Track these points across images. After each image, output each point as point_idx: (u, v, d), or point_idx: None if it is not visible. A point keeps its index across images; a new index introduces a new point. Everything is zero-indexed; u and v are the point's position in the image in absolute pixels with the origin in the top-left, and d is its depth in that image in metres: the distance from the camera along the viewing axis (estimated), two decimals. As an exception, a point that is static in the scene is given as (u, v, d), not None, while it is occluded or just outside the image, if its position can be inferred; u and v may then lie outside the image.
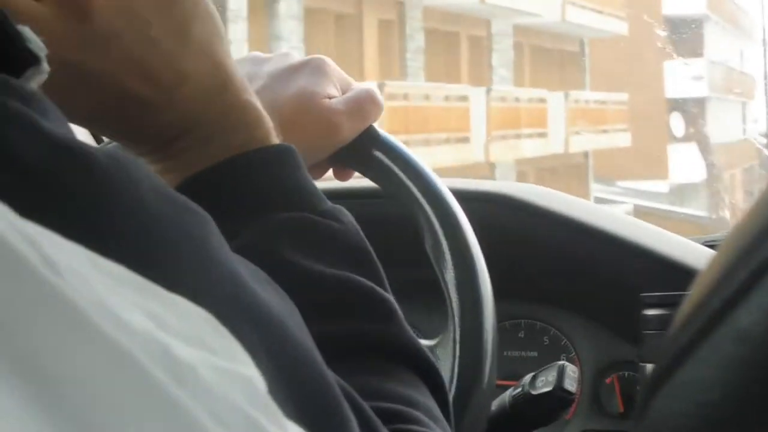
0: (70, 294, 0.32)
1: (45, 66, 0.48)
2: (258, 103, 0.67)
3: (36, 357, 0.31)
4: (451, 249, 0.84)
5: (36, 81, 0.48)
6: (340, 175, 0.88)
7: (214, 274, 0.43)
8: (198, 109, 0.65)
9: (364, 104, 0.83)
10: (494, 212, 1.18)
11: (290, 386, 0.43)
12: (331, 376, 0.47)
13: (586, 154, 14.38)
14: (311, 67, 0.83)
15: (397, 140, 0.87)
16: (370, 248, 0.66)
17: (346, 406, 0.47)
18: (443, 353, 0.85)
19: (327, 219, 0.65)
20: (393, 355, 0.62)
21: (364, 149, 0.85)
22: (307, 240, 0.63)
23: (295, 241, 0.62)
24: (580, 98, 14.90)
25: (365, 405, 0.51)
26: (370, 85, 0.86)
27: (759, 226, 0.29)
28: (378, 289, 0.63)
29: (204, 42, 0.64)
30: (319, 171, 0.85)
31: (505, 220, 1.19)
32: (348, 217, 0.67)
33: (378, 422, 0.51)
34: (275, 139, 0.67)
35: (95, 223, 0.39)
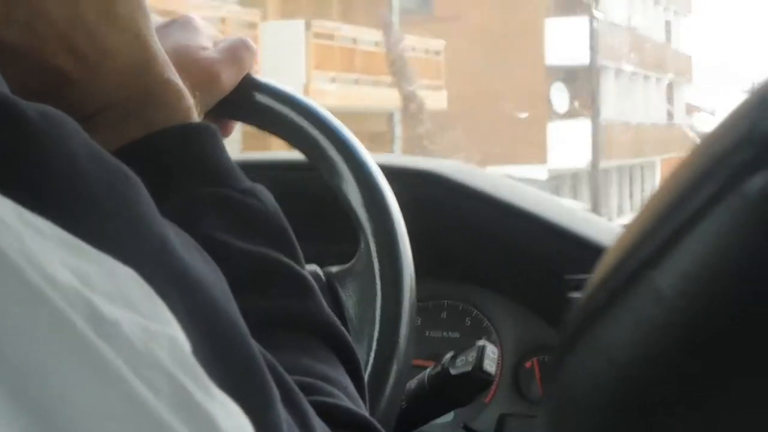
0: None
1: None
2: (180, 82, 0.68)
3: None
4: (348, 165, 0.84)
5: None
6: (222, 130, 0.87)
7: (143, 236, 0.43)
8: (120, 85, 0.65)
9: (239, 51, 0.84)
10: (420, 189, 1.17)
11: (215, 352, 0.42)
12: (255, 346, 0.47)
13: (390, 118, 10.65)
14: (179, 24, 0.84)
15: (278, 83, 0.87)
16: (289, 227, 0.66)
17: (269, 376, 0.47)
18: (360, 276, 0.84)
19: (247, 197, 0.65)
20: (310, 331, 0.62)
21: (246, 95, 0.85)
22: (227, 216, 0.63)
23: (215, 217, 0.63)
24: (338, 33, 10.42)
25: (287, 377, 0.51)
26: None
27: (678, 190, 0.28)
28: (296, 266, 0.64)
29: (128, 19, 0.65)
30: None
31: (430, 198, 1.18)
32: (268, 195, 0.67)
33: (299, 393, 0.51)
34: (196, 118, 0.68)
35: (23, 178, 0.39)
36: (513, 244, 1.18)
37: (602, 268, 0.29)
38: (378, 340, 0.81)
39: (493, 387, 1.19)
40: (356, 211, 0.83)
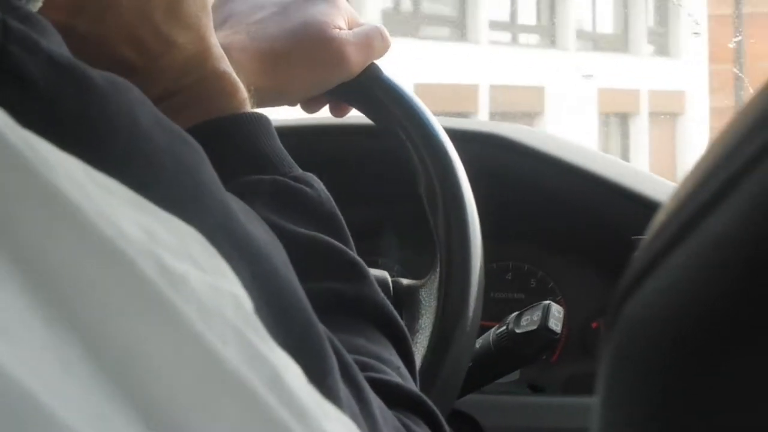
0: (68, 193, 0.32)
1: None
2: (234, 74, 0.69)
3: (32, 249, 0.31)
4: (443, 193, 0.84)
5: (33, 6, 0.49)
6: (337, 111, 0.88)
7: (205, 202, 0.44)
8: (179, 76, 0.66)
9: (374, 39, 0.84)
10: (486, 152, 1.17)
11: (276, 315, 0.43)
12: (315, 315, 0.47)
13: None
14: None
15: (398, 81, 0.86)
16: (340, 214, 0.67)
17: (328, 345, 0.47)
18: (428, 294, 0.85)
19: (299, 183, 0.66)
20: (364, 314, 0.63)
21: (367, 87, 0.85)
22: (279, 201, 0.64)
23: (268, 201, 0.64)
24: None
25: (344, 351, 0.51)
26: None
27: (738, 132, 0.28)
28: (349, 251, 0.64)
29: (192, 15, 0.66)
30: (316, 104, 0.86)
31: (496, 161, 1.18)
32: (319, 183, 0.68)
33: (355, 367, 0.51)
34: (249, 109, 0.69)
35: (91, 141, 0.40)
36: (578, 206, 1.18)
37: (660, 215, 0.30)
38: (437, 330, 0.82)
39: (559, 347, 1.19)
40: (439, 236, 0.83)
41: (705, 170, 0.28)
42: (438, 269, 0.83)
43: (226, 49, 0.75)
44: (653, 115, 5.51)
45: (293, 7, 0.82)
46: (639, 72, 5.87)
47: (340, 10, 0.83)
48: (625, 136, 5.31)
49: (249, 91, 0.70)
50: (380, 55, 0.85)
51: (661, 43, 5.69)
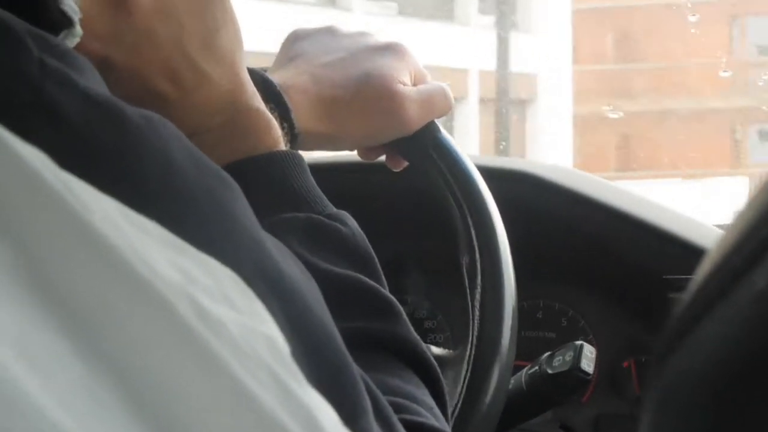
0: (105, 234, 0.33)
1: (78, 29, 0.50)
2: (268, 112, 0.69)
3: (69, 289, 0.31)
4: (484, 273, 0.83)
5: (70, 42, 0.49)
6: (393, 163, 0.88)
7: (240, 239, 0.44)
8: (212, 112, 0.67)
9: (436, 98, 0.84)
10: (518, 191, 1.17)
11: (310, 356, 0.43)
12: (348, 355, 0.48)
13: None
14: (392, 51, 0.83)
15: (454, 143, 0.86)
16: (373, 253, 0.67)
17: (362, 385, 0.47)
18: (454, 373, 0.84)
19: (332, 221, 0.66)
20: (397, 353, 0.63)
21: (423, 146, 0.85)
22: (314, 239, 0.64)
23: (303, 239, 0.64)
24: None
25: (378, 391, 0.51)
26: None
27: None
28: (382, 290, 0.64)
29: (226, 50, 0.66)
30: (373, 154, 0.86)
31: (528, 199, 1.18)
32: (353, 221, 0.68)
33: (389, 408, 0.51)
34: (283, 147, 0.69)
35: (127, 180, 0.41)
36: (609, 244, 1.17)
37: (704, 267, 0.30)
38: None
39: (590, 387, 1.18)
40: (474, 314, 0.82)
41: (746, 226, 0.28)
42: (468, 349, 0.82)
43: (287, 88, 0.76)
44: (490, 100, 4.30)
45: (361, 55, 0.82)
46: (467, 47, 4.51)
47: (408, 64, 0.83)
48: (446, 124, 4.34)
49: (282, 128, 0.70)
50: (441, 115, 0.85)
51: (503, 13, 4.21)
